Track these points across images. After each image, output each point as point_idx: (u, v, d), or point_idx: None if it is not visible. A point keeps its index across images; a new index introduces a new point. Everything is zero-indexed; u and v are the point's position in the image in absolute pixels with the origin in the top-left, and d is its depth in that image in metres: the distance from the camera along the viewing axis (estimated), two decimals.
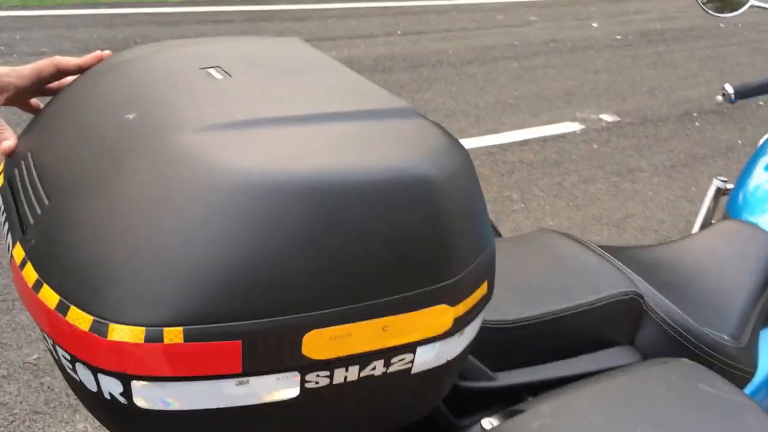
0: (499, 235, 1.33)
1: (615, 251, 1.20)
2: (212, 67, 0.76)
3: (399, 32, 6.27)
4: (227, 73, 0.75)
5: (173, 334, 0.56)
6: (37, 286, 0.61)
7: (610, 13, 7.93)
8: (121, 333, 0.56)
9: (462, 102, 4.78)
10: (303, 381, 0.61)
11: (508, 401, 0.96)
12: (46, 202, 0.66)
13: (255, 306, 0.57)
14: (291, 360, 0.60)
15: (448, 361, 0.68)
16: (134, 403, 0.59)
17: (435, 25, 6.66)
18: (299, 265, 0.58)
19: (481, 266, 0.68)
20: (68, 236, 0.61)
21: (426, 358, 0.66)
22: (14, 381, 2.10)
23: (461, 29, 6.63)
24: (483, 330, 0.97)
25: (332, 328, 0.60)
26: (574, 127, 4.54)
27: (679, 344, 1.08)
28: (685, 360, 0.96)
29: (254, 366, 0.59)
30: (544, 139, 4.30)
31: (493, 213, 3.38)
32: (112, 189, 0.61)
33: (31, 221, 0.66)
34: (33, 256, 0.63)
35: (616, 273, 1.09)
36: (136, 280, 0.57)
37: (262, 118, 0.66)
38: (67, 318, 0.58)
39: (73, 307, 0.58)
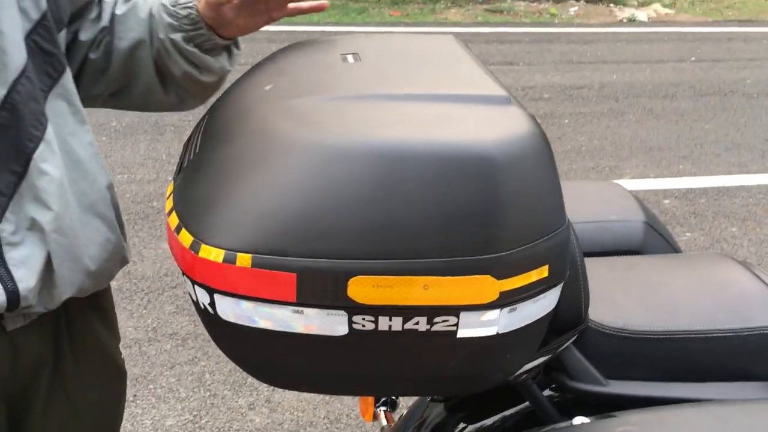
0: (678, 251, 1.27)
1: None
2: (351, 54, 0.88)
3: (693, 59, 5.89)
4: (360, 58, 0.86)
5: (244, 259, 0.68)
6: (170, 212, 0.78)
7: None
8: (207, 252, 0.70)
9: (749, 135, 4.37)
10: (350, 321, 0.70)
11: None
12: (197, 150, 0.83)
13: (309, 247, 0.67)
14: (337, 299, 0.69)
15: (498, 333, 0.72)
16: (218, 314, 0.73)
17: (737, 53, 6.14)
18: (351, 219, 0.67)
19: (539, 249, 0.71)
20: (195, 177, 0.77)
21: (471, 325, 0.70)
22: None
23: None
24: (601, 335, 0.96)
25: (375, 277, 0.68)
26: None
27: None
28: None
29: (306, 298, 0.69)
30: None
31: (755, 256, 3.07)
32: (231, 141, 0.76)
33: (185, 164, 0.83)
34: (175, 190, 0.80)
35: None
36: (225, 213, 0.70)
37: (364, 94, 0.77)
38: (179, 237, 0.74)
39: (183, 229, 0.73)
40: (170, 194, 0.81)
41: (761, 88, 5.23)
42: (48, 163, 0.80)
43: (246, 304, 0.71)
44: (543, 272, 0.72)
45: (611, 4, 7.72)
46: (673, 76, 5.40)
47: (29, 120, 0.79)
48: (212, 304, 0.73)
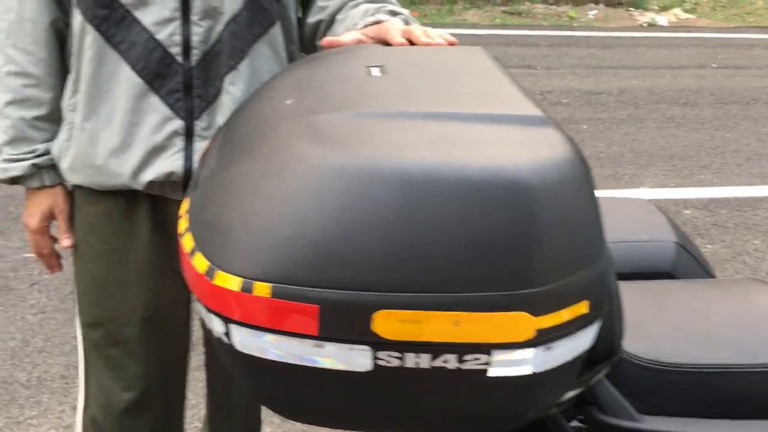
0: (712, 275, 1.21)
1: None
2: (376, 66, 0.83)
3: (714, 65, 5.81)
4: (385, 71, 0.82)
5: (262, 288, 0.64)
6: (184, 233, 0.73)
7: None
8: (223, 279, 0.65)
9: None
10: (375, 357, 0.65)
11: None
12: (214, 165, 0.78)
13: (333, 277, 0.63)
14: (361, 334, 0.64)
15: (534, 373, 0.67)
16: (233, 345, 0.68)
17: (759, 61, 6.04)
18: (377, 247, 0.62)
19: (579, 283, 0.66)
20: (210, 196, 0.73)
21: (503, 364, 0.66)
22: None
23: None
24: (633, 367, 0.91)
25: (402, 311, 0.63)
26: None
27: None
28: None
29: (329, 332, 0.64)
30: None
31: (764, 273, 2.99)
32: (249, 158, 0.71)
33: (200, 180, 0.79)
34: (191, 209, 0.76)
35: None
36: (243, 238, 0.66)
37: (390, 111, 0.72)
38: (193, 261, 0.69)
39: (198, 253, 0.69)
40: (185, 213, 0.77)
41: None
42: (234, 86, 1.05)
43: (264, 336, 0.66)
44: (582, 308, 0.67)
45: (631, 8, 7.62)
46: (694, 83, 5.32)
47: (228, 52, 1.04)
48: (228, 334, 0.68)
